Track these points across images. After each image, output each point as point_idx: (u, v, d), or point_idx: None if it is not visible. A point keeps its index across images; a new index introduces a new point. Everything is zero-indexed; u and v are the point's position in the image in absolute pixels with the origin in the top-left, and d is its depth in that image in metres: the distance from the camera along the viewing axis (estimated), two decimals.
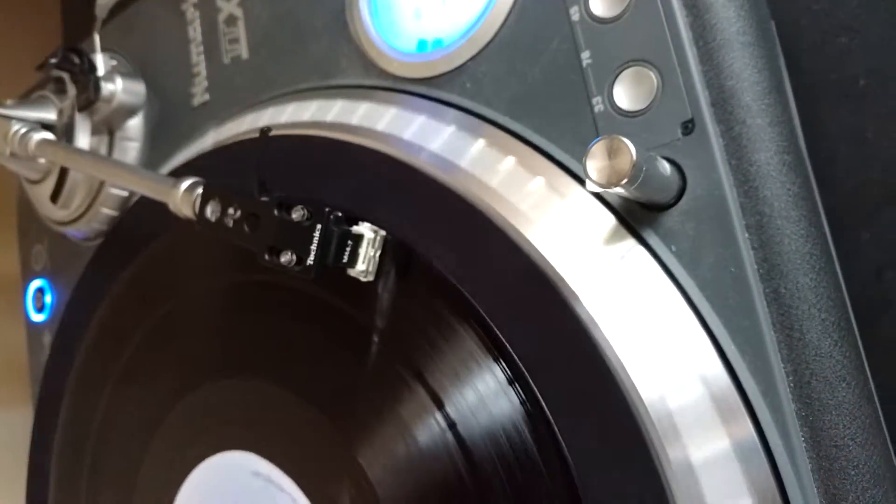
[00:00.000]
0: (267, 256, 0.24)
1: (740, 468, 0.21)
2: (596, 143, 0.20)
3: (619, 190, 0.20)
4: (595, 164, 0.20)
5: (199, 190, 0.26)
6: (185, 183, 0.26)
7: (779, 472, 0.20)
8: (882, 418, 0.22)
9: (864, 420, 0.21)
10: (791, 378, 0.21)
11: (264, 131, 0.24)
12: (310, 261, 0.23)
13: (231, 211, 0.25)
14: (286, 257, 0.24)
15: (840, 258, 0.23)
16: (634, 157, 0.19)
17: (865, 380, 0.21)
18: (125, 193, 0.35)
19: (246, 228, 0.25)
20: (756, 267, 0.21)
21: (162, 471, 0.31)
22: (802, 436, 0.20)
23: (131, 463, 0.32)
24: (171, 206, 0.27)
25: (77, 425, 0.35)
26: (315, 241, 0.23)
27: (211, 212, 0.26)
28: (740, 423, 0.21)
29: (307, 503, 0.26)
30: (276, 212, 0.24)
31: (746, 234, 0.21)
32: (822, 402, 0.20)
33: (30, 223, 0.42)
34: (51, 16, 0.55)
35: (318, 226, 0.23)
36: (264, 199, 0.24)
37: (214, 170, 0.29)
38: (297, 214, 0.24)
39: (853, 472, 0.20)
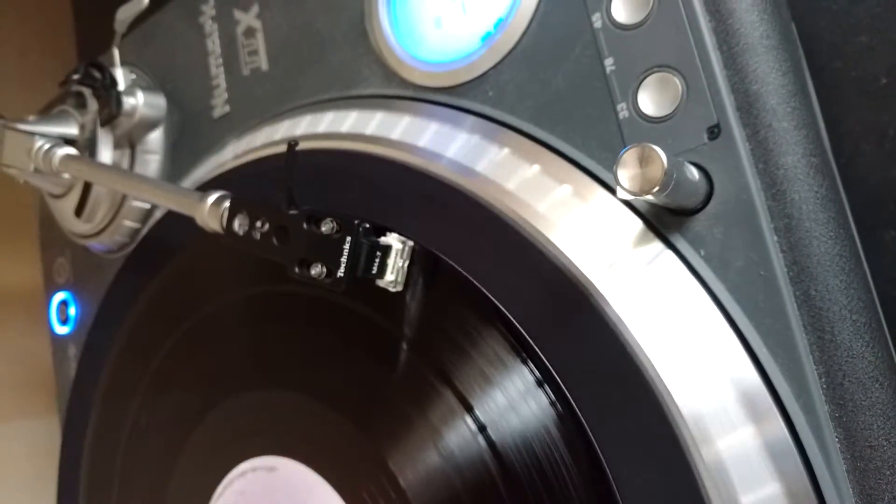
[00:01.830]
0: (297, 269, 0.24)
1: (775, 470, 0.21)
2: (627, 151, 0.20)
3: (649, 197, 0.20)
4: (626, 173, 0.20)
5: (227, 203, 0.26)
6: (212, 196, 0.27)
7: (814, 473, 0.21)
8: None
9: None
10: (824, 380, 0.21)
11: (291, 144, 0.25)
12: (340, 273, 0.24)
13: (259, 224, 0.25)
14: (316, 270, 0.24)
15: (865, 258, 0.23)
16: (666, 164, 0.19)
17: None
18: (147, 206, 0.36)
19: (275, 241, 0.25)
20: (786, 270, 0.21)
21: (193, 478, 0.31)
22: (836, 437, 0.20)
23: (162, 473, 0.32)
24: (198, 220, 0.27)
25: (106, 436, 0.35)
26: (345, 253, 0.24)
27: (238, 225, 0.26)
28: (774, 425, 0.21)
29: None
30: (305, 225, 0.24)
31: (775, 238, 0.21)
32: (855, 403, 0.20)
33: (52, 237, 0.42)
34: (63, 29, 0.56)
35: (348, 238, 0.24)
36: (293, 212, 0.24)
37: (241, 184, 0.29)
38: (326, 227, 0.24)
39: (888, 472, 0.20)
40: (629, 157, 0.20)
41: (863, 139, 0.26)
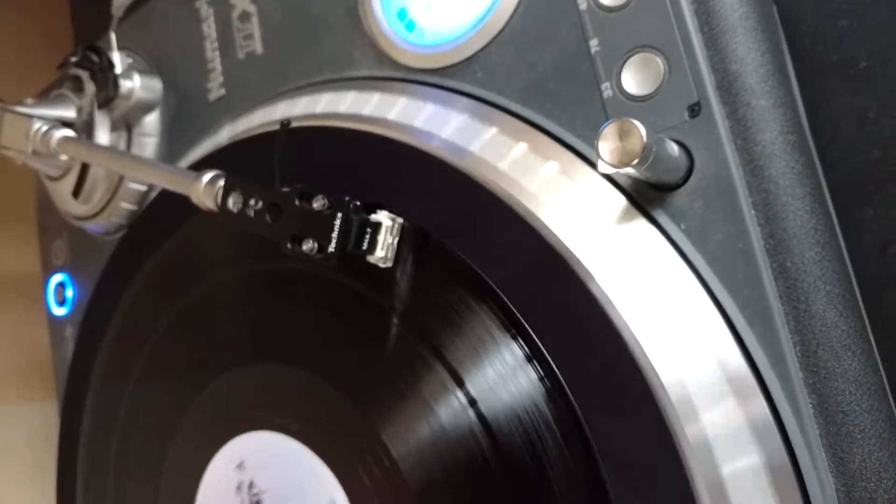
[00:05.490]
0: (289, 245, 0.25)
1: (752, 436, 0.21)
2: (608, 125, 0.21)
3: (629, 170, 0.21)
4: (607, 146, 0.21)
5: (221, 182, 0.27)
6: (207, 176, 0.27)
7: (789, 438, 0.21)
8: (887, 386, 0.22)
9: (869, 387, 0.21)
10: (798, 348, 0.21)
11: (284, 124, 0.25)
12: (331, 248, 0.24)
13: (252, 202, 0.26)
14: (308, 245, 0.25)
15: (845, 235, 0.24)
16: (645, 138, 0.20)
17: (870, 349, 0.22)
18: (144, 188, 0.36)
19: (268, 218, 0.26)
20: (763, 242, 0.22)
21: (187, 457, 0.32)
22: (810, 403, 0.21)
23: (157, 453, 0.33)
24: (194, 199, 0.28)
25: (104, 417, 0.36)
26: (336, 229, 0.24)
27: (233, 203, 0.27)
28: (751, 392, 0.22)
29: (335, 481, 0.27)
30: (297, 202, 0.25)
31: (753, 212, 0.22)
32: (828, 370, 0.21)
33: (49, 219, 0.43)
34: (60, 14, 0.56)
35: (339, 215, 0.24)
36: (285, 189, 0.25)
37: (236, 162, 0.30)
38: (317, 204, 0.25)
39: (860, 437, 0.21)
40: (609, 130, 0.20)
41: (843, 121, 0.27)
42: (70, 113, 0.35)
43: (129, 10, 0.36)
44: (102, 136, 0.35)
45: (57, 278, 0.42)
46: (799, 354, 0.21)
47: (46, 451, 0.43)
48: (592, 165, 0.24)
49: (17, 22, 0.54)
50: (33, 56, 0.54)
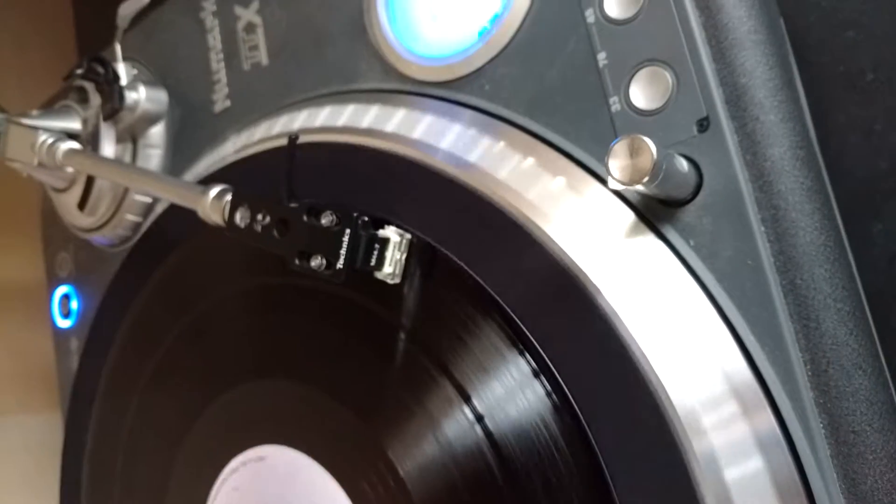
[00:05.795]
0: (297, 261, 0.25)
1: (762, 456, 0.21)
2: (618, 142, 0.21)
3: (639, 187, 0.21)
4: (617, 163, 0.20)
5: (228, 197, 0.27)
6: (214, 190, 0.27)
7: (799, 458, 0.21)
8: None
9: (880, 406, 0.21)
10: (809, 367, 0.21)
11: (292, 138, 0.25)
12: (339, 265, 0.24)
13: (260, 217, 0.26)
14: (316, 262, 0.25)
15: (852, 249, 0.24)
16: (655, 155, 0.20)
17: (881, 367, 0.22)
18: (149, 200, 0.36)
19: (275, 234, 0.26)
20: (772, 259, 0.22)
21: (194, 470, 0.32)
22: (821, 423, 0.21)
23: (163, 466, 0.33)
24: (201, 213, 0.27)
25: (109, 430, 0.36)
26: (344, 245, 0.24)
27: (240, 218, 0.26)
28: (761, 412, 0.21)
29: (343, 494, 0.27)
30: (305, 217, 0.25)
31: (762, 228, 0.22)
32: (839, 390, 0.21)
33: (54, 231, 0.42)
34: (63, 21, 0.56)
35: (347, 230, 0.24)
36: (293, 205, 0.25)
37: (242, 177, 0.30)
38: (326, 220, 0.25)
39: (871, 457, 0.21)
40: (620, 147, 0.20)
41: (850, 133, 0.27)
42: (75, 125, 0.35)
43: (135, 21, 0.36)
44: (108, 148, 0.35)
45: (62, 290, 0.42)
46: (809, 373, 0.21)
47: (48, 462, 0.43)
48: (600, 180, 0.24)
49: (18, 30, 0.54)
50: (35, 65, 0.53)
